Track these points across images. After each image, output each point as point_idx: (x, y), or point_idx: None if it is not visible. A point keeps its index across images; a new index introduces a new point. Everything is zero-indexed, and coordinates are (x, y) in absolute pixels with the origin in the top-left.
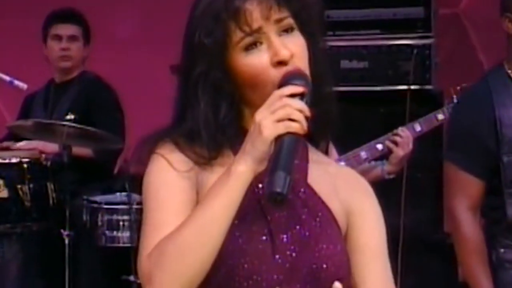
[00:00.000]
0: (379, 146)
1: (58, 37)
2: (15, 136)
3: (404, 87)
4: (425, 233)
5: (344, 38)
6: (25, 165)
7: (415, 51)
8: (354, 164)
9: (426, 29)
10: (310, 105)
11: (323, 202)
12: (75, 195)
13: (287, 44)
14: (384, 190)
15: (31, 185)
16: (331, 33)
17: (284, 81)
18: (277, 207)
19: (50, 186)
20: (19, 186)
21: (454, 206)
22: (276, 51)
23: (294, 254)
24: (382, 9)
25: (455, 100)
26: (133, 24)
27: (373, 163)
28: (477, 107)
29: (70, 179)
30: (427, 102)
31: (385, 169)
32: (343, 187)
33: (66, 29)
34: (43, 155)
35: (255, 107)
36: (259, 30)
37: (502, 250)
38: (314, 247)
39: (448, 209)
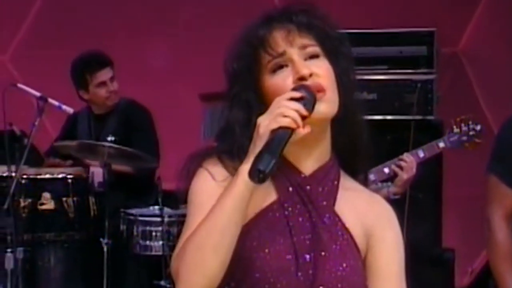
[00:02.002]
0: (386, 170)
1: (103, 83)
2: (57, 154)
3: (409, 117)
4: (426, 248)
5: (355, 72)
6: (69, 180)
7: (418, 85)
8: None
9: (429, 66)
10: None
11: (346, 228)
12: (114, 208)
13: (310, 66)
14: None
15: (74, 198)
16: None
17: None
18: (258, 183)
19: (92, 199)
20: (64, 199)
21: (490, 214)
22: (297, 70)
23: (314, 273)
24: (389, 47)
25: (455, 130)
26: (165, 57)
27: (380, 184)
28: None
29: (110, 194)
30: (429, 131)
31: (390, 190)
32: (369, 213)
33: (106, 74)
34: (89, 174)
35: None
36: (283, 53)
37: None
38: (332, 268)
39: (484, 217)
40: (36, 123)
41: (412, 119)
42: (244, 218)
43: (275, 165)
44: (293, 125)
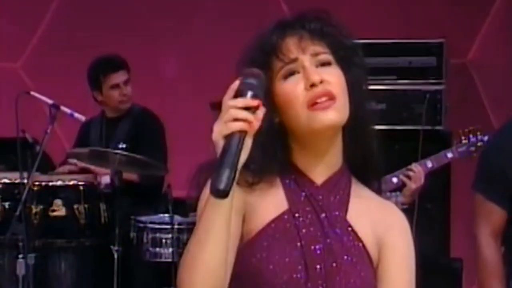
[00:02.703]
0: (395, 180)
1: (117, 86)
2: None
3: (417, 127)
4: (434, 257)
5: (368, 82)
6: (81, 188)
7: (427, 95)
8: None
9: (438, 77)
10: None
11: (359, 238)
12: (125, 215)
13: (321, 73)
14: None
15: (86, 205)
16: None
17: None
18: (222, 199)
19: (103, 206)
20: (75, 206)
21: (477, 232)
22: (308, 76)
23: (324, 285)
24: (399, 57)
25: (463, 141)
26: (177, 65)
27: (388, 194)
28: (507, 146)
29: (120, 201)
30: (438, 141)
31: (399, 200)
32: (381, 222)
33: (121, 77)
34: (97, 178)
35: (296, 138)
36: (295, 60)
37: None
38: (342, 279)
39: (473, 234)
40: (48, 130)
41: (420, 129)
42: (229, 232)
43: (234, 178)
44: (246, 127)
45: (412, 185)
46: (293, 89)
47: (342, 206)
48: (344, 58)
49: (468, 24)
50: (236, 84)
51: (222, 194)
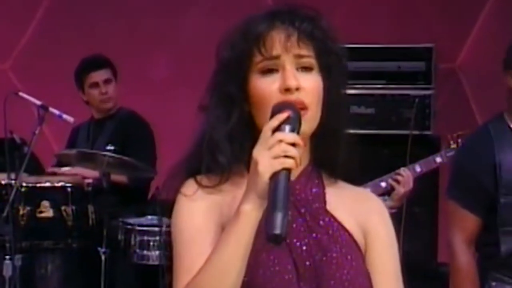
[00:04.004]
0: (383, 184)
1: (96, 84)
2: (61, 164)
3: (406, 132)
4: (422, 262)
5: (354, 87)
6: (68, 189)
7: (416, 100)
8: None
9: (426, 81)
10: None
11: (343, 227)
12: (112, 217)
13: (299, 78)
14: None
15: (73, 207)
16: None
17: (275, 111)
18: (277, 245)
19: (90, 208)
20: (63, 208)
21: (452, 239)
22: (285, 79)
23: (317, 280)
24: (388, 62)
25: (452, 145)
26: (166, 67)
27: None
28: (479, 152)
29: (108, 203)
30: (426, 146)
31: (387, 204)
32: (360, 208)
33: (100, 75)
34: (85, 181)
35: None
36: (277, 57)
37: (493, 283)
38: (335, 272)
39: (447, 241)
40: (37, 131)
41: (409, 134)
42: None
43: (288, 219)
44: (295, 166)
45: (401, 189)
46: (268, 88)
47: (320, 198)
48: (327, 64)
49: (457, 30)
50: (283, 116)
51: (279, 239)
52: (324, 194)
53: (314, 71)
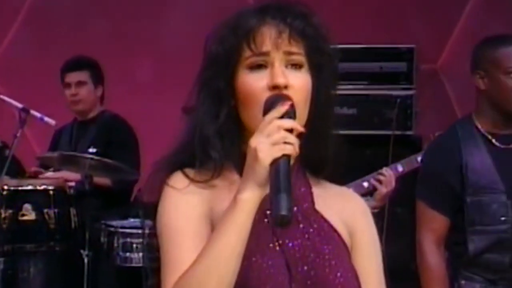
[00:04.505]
0: (365, 184)
1: (68, 85)
2: (44, 166)
3: (388, 132)
4: (404, 262)
5: (336, 87)
6: (51, 192)
7: (398, 100)
8: None
9: (408, 82)
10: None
11: (333, 228)
12: (95, 219)
13: (288, 75)
14: None
15: (55, 210)
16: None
17: (269, 104)
18: (284, 228)
19: (73, 211)
20: (45, 210)
21: (421, 239)
22: (273, 76)
23: (309, 283)
24: (370, 63)
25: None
26: (149, 69)
27: None
28: (446, 153)
29: (91, 205)
30: (408, 146)
31: (370, 204)
32: (345, 208)
33: (73, 77)
34: (67, 183)
35: (251, 131)
36: (266, 53)
37: (463, 281)
38: (329, 275)
39: (416, 241)
40: (18, 134)
41: (391, 134)
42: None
43: (293, 202)
44: (295, 152)
45: (383, 189)
46: (256, 85)
47: (308, 197)
48: (317, 63)
49: (438, 30)
50: (284, 108)
51: (286, 220)
52: (311, 193)
53: (304, 69)
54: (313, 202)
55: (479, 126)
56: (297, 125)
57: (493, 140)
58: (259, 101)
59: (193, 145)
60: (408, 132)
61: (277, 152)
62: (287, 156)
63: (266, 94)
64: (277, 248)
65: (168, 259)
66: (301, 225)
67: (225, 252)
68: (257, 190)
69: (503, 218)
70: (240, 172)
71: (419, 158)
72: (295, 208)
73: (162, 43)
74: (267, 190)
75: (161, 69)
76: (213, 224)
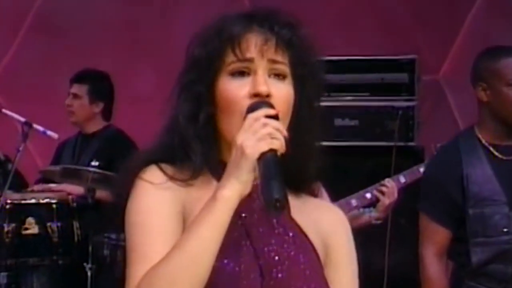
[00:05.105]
0: (368, 195)
1: (68, 95)
2: (46, 180)
3: (390, 143)
4: (407, 272)
5: (338, 99)
6: (54, 205)
7: (400, 112)
8: (345, 210)
9: (410, 93)
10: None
11: (308, 239)
12: (97, 232)
13: (271, 85)
14: (371, 234)
15: (58, 223)
16: (326, 94)
17: (253, 107)
18: (276, 213)
19: (76, 224)
20: (48, 224)
21: (423, 251)
22: (256, 84)
23: None
24: (371, 74)
25: None
26: (152, 84)
27: (362, 210)
28: (448, 165)
29: (93, 219)
30: (411, 157)
31: (372, 215)
32: (322, 221)
33: (72, 89)
34: (70, 197)
35: (227, 141)
36: (250, 60)
37: None
38: (302, 285)
39: (419, 253)
40: (21, 148)
41: (393, 145)
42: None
43: (285, 190)
44: (282, 148)
45: (386, 200)
46: (236, 92)
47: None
48: (301, 75)
49: (440, 41)
50: (271, 111)
51: (279, 204)
52: (288, 202)
53: (287, 80)
54: (289, 210)
55: (481, 138)
56: (283, 128)
57: (495, 152)
58: (239, 108)
59: (171, 145)
60: (410, 143)
61: (265, 146)
62: (274, 151)
63: (247, 102)
64: (251, 252)
65: (137, 252)
66: (276, 231)
67: (201, 248)
68: (238, 188)
69: (505, 230)
70: (217, 178)
71: (421, 169)
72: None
73: (163, 54)
74: (248, 190)
75: (163, 83)
76: (185, 223)
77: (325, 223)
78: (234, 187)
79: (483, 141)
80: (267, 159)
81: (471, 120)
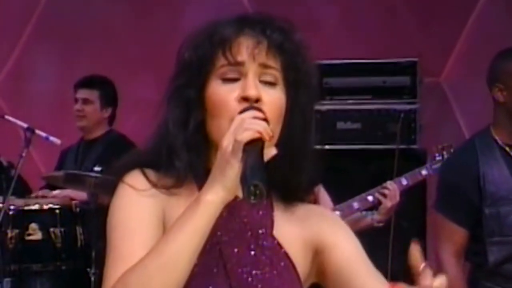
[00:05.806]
0: (370, 198)
1: (76, 101)
2: (50, 186)
3: (392, 146)
4: (410, 275)
5: (340, 102)
6: (57, 211)
7: (402, 114)
8: (347, 213)
9: (412, 96)
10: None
11: (288, 257)
12: (101, 237)
13: (261, 91)
14: (374, 237)
15: (62, 229)
16: (328, 97)
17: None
18: (255, 201)
19: (79, 229)
20: (51, 230)
21: (441, 251)
22: (245, 87)
23: None
24: (373, 77)
25: (437, 158)
26: (153, 89)
27: (364, 212)
28: (464, 165)
29: (97, 224)
30: (412, 160)
31: (374, 218)
32: (311, 226)
33: (81, 94)
34: (73, 202)
35: (216, 147)
36: (241, 63)
37: None
38: None
39: (435, 254)
40: (24, 154)
41: (396, 148)
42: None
43: (266, 179)
44: (266, 136)
45: (388, 203)
46: (225, 96)
47: (267, 221)
48: (293, 81)
49: (441, 43)
50: (261, 115)
51: (259, 190)
52: (271, 217)
53: (278, 86)
54: (271, 227)
55: (497, 138)
56: (269, 130)
57: (511, 152)
58: (228, 112)
59: (158, 150)
60: (412, 146)
61: (247, 135)
62: (259, 142)
63: (236, 106)
64: (222, 273)
65: (115, 254)
66: (252, 252)
67: (178, 252)
68: (221, 193)
69: None
70: (200, 187)
71: (423, 172)
72: (248, 233)
73: (164, 61)
74: (231, 196)
75: (163, 87)
76: (165, 230)
77: (315, 227)
78: (218, 193)
79: (499, 142)
80: (250, 148)
81: (473, 122)
